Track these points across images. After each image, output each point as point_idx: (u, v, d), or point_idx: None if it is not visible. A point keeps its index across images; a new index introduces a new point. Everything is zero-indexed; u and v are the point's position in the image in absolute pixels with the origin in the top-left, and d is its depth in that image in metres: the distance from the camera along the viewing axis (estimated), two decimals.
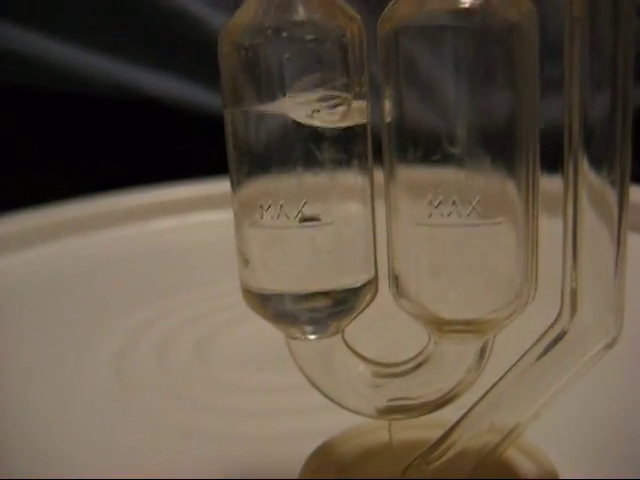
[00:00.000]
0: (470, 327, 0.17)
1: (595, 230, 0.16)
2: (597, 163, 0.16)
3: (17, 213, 0.43)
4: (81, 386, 0.28)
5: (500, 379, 0.18)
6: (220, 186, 0.37)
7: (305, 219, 0.16)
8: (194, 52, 0.53)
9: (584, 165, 0.16)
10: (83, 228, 0.42)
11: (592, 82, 0.16)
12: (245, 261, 0.17)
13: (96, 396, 0.27)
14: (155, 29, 0.54)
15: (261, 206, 0.16)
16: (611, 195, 0.16)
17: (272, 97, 0.16)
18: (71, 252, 0.41)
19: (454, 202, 0.15)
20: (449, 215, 0.15)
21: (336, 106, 0.16)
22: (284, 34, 0.16)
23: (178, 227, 0.42)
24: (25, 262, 0.40)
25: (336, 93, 0.16)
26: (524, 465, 0.19)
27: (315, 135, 0.16)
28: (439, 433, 0.18)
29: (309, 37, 0.16)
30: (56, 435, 0.24)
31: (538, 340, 0.17)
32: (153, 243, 0.42)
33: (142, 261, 0.39)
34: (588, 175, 0.16)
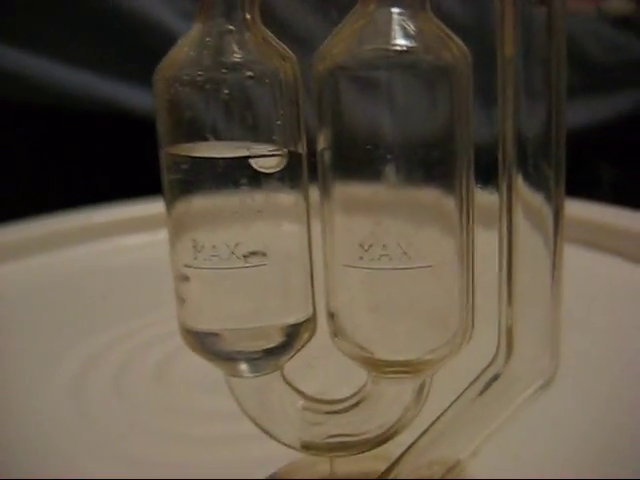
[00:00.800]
0: (406, 367, 0.17)
1: (531, 262, 0.16)
2: (532, 181, 0.16)
3: None
4: (39, 410, 0.27)
5: (439, 417, 0.18)
6: None
7: (245, 257, 0.16)
8: None
9: (519, 182, 0.16)
10: (50, 245, 0.41)
11: (526, 100, 0.16)
12: (181, 300, 0.17)
13: (53, 415, 0.26)
14: (131, 42, 0.53)
15: (194, 247, 0.16)
16: (547, 213, 0.16)
17: (202, 137, 0.16)
18: (38, 269, 0.41)
19: (384, 246, 0.15)
20: (379, 259, 0.15)
21: (271, 155, 0.16)
22: (220, 73, 0.16)
23: (149, 243, 0.42)
24: None
25: (270, 147, 0.16)
26: None
27: (248, 177, 0.16)
28: (381, 465, 0.18)
29: (244, 77, 0.16)
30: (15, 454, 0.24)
31: (476, 379, 0.17)
32: (122, 259, 0.42)
33: (109, 278, 0.39)
34: (523, 192, 0.16)
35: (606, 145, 0.71)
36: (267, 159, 0.16)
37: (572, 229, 0.37)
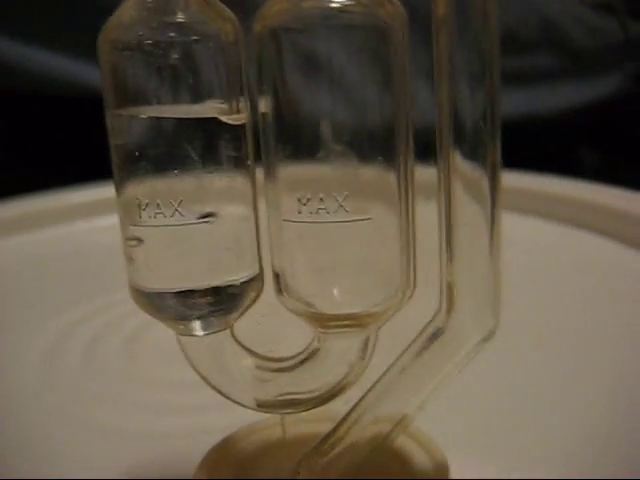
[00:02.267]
0: (351, 322, 0.17)
1: (469, 223, 0.17)
2: (469, 156, 0.16)
3: None
4: (11, 383, 0.28)
5: (384, 373, 0.18)
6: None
7: (195, 217, 0.17)
8: None
9: (456, 158, 0.16)
10: (20, 227, 0.42)
11: (462, 77, 0.16)
12: (130, 260, 0.17)
13: (22, 392, 0.27)
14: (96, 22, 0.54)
15: (139, 205, 0.16)
16: (485, 185, 0.16)
17: (147, 101, 0.16)
18: (5, 251, 0.41)
19: (321, 199, 0.15)
20: (317, 212, 0.16)
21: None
22: (163, 34, 0.16)
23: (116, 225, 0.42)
24: None
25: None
26: (415, 454, 0.20)
27: (193, 134, 0.16)
28: (331, 427, 0.19)
29: (187, 38, 0.16)
30: None
31: (418, 335, 0.18)
32: (98, 239, 0.43)
33: (78, 259, 0.40)
34: (461, 167, 0.16)
35: (588, 128, 0.71)
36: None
37: (520, 200, 0.38)
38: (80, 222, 0.44)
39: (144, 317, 0.31)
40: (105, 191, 0.45)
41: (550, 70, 0.68)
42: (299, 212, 0.16)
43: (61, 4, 0.54)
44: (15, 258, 0.41)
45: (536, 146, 0.60)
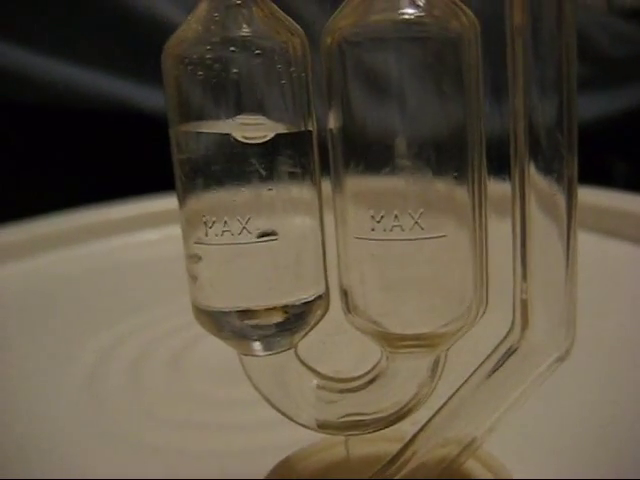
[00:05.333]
0: (420, 342, 0.17)
1: (544, 239, 0.16)
2: (544, 169, 0.16)
3: None
4: (55, 403, 0.27)
5: (454, 394, 0.17)
6: None
7: (259, 235, 0.16)
8: None
9: (531, 171, 0.16)
10: (56, 244, 0.42)
11: (537, 89, 0.16)
12: (193, 278, 0.17)
13: (66, 412, 0.27)
14: (138, 40, 0.54)
15: (205, 223, 0.16)
16: (560, 201, 0.16)
17: (216, 115, 0.16)
18: (44, 269, 0.41)
19: (396, 216, 0.15)
20: (392, 230, 0.15)
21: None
22: (227, 49, 0.16)
23: (156, 240, 0.42)
24: None
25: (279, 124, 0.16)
26: (483, 477, 0.19)
27: (259, 150, 0.16)
28: (396, 447, 0.18)
29: (252, 52, 0.16)
30: (31, 450, 0.24)
31: (490, 354, 0.17)
32: (138, 254, 0.42)
33: (116, 275, 0.39)
34: (536, 181, 0.16)
35: (617, 137, 0.70)
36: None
37: (588, 217, 0.37)
38: (115, 238, 0.44)
39: (188, 334, 0.30)
40: (139, 207, 0.45)
41: (580, 80, 0.68)
42: (372, 229, 0.15)
43: (93, 19, 0.54)
44: (50, 276, 0.41)
45: None
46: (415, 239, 0.15)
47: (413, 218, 0.15)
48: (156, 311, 0.34)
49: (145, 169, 0.54)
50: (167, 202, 0.44)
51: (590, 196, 0.38)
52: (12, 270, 0.40)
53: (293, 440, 0.20)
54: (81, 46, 0.55)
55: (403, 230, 0.15)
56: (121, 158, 0.56)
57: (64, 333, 0.33)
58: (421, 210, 0.15)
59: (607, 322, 0.29)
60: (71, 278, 0.40)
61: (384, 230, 0.15)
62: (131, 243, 0.43)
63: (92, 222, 0.44)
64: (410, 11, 0.15)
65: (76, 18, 0.54)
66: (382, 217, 0.15)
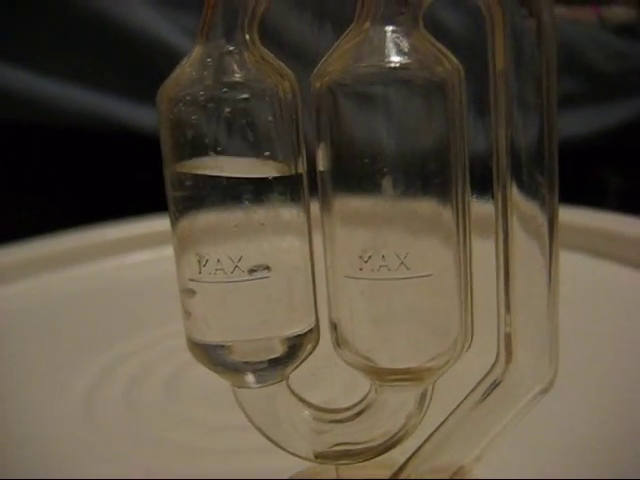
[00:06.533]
0: (408, 376, 0.17)
1: (527, 263, 0.17)
2: (526, 191, 0.16)
3: None
4: (50, 425, 0.28)
5: (441, 424, 0.18)
6: None
7: (249, 271, 0.17)
8: None
9: (514, 193, 0.16)
10: (51, 265, 0.42)
11: (518, 110, 0.16)
12: (187, 313, 0.17)
13: (62, 434, 0.27)
14: (133, 60, 0.54)
15: (199, 261, 0.17)
16: (543, 223, 0.16)
17: (206, 155, 0.16)
18: (38, 290, 0.41)
19: (383, 257, 0.16)
20: (379, 269, 0.16)
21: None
22: (220, 91, 0.16)
23: (151, 260, 0.42)
24: None
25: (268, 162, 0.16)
26: None
27: (251, 192, 0.17)
28: (386, 473, 0.19)
29: (244, 95, 0.16)
30: (25, 472, 0.25)
31: (476, 386, 0.18)
32: (132, 275, 0.43)
33: (112, 296, 0.40)
34: (518, 203, 0.16)
35: (610, 153, 0.71)
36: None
37: (573, 237, 0.37)
38: (110, 259, 0.44)
39: (181, 358, 0.31)
40: (133, 228, 0.46)
41: (572, 95, 0.68)
42: (360, 269, 0.16)
43: (86, 37, 0.54)
44: (44, 297, 0.41)
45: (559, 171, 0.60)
46: (401, 278, 0.16)
47: (399, 258, 0.15)
48: (153, 332, 0.35)
49: (135, 187, 0.54)
50: (162, 223, 0.44)
51: (581, 217, 0.39)
52: (6, 291, 0.41)
53: (287, 465, 0.21)
54: (73, 64, 0.55)
55: (389, 270, 0.16)
56: (111, 178, 0.56)
57: (58, 355, 0.34)
58: (407, 252, 0.15)
59: (598, 344, 0.30)
60: (66, 299, 0.40)
61: (372, 270, 0.16)
62: (126, 264, 0.44)
63: (87, 243, 0.44)
64: (396, 59, 0.15)
65: (60, 35, 0.55)
66: (370, 257, 0.16)
